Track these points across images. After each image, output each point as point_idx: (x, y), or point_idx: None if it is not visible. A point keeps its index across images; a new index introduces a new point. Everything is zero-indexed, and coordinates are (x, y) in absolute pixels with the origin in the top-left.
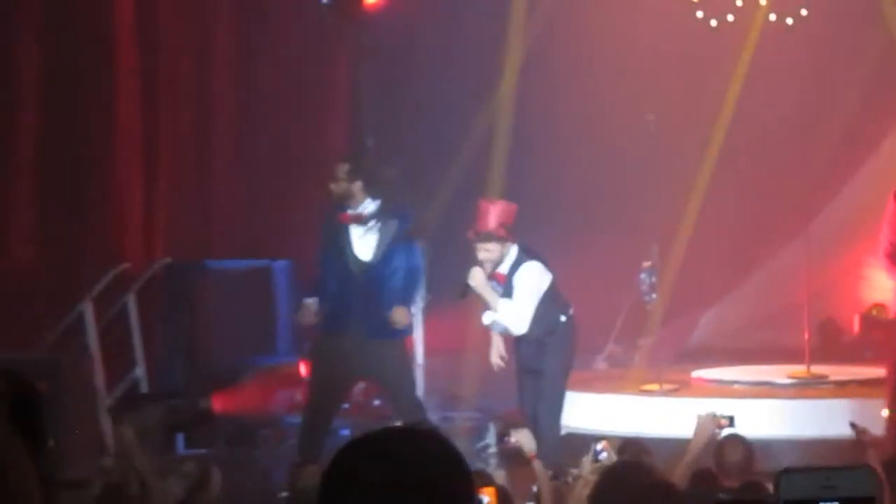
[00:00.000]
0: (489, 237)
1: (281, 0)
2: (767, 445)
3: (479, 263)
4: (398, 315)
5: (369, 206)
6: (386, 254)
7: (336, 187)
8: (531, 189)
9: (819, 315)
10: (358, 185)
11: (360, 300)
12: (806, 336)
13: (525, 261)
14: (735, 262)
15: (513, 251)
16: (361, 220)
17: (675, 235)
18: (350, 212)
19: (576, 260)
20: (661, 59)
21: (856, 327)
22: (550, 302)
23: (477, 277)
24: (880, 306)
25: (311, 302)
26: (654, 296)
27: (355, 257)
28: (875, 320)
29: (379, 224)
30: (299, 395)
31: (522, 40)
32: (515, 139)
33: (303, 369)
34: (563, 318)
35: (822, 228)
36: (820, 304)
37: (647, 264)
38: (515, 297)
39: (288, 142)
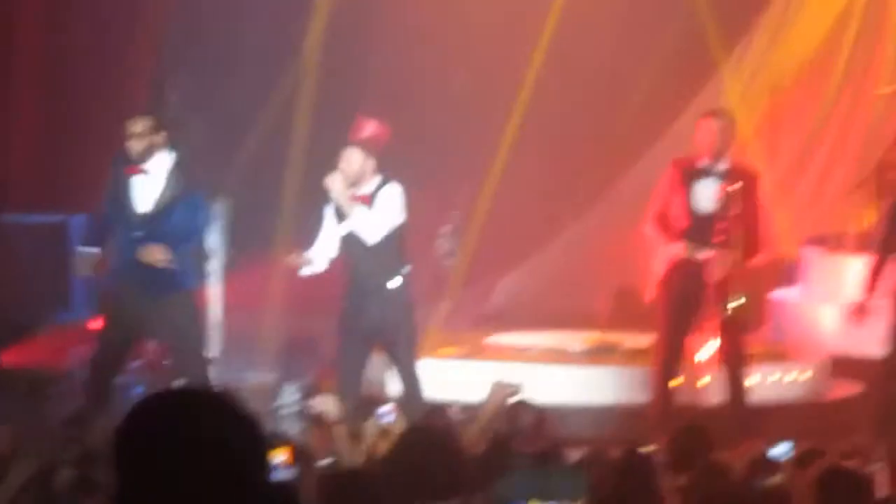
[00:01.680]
0: (355, 144)
1: None
2: (561, 411)
3: (340, 170)
4: (153, 253)
5: (162, 158)
6: (168, 208)
7: (136, 143)
8: (335, 150)
9: (617, 282)
10: (162, 138)
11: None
12: (601, 303)
13: (391, 182)
14: (535, 228)
15: (376, 175)
16: (146, 172)
17: (477, 200)
18: (138, 164)
19: None
20: (467, 22)
21: (648, 295)
22: (399, 245)
23: (336, 181)
24: None
25: (90, 254)
26: (452, 259)
27: (134, 209)
28: None
29: (166, 177)
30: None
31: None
32: (321, 100)
33: (96, 326)
34: (405, 270)
35: (621, 197)
36: (617, 271)
37: (447, 228)
38: (376, 209)
39: (90, 94)
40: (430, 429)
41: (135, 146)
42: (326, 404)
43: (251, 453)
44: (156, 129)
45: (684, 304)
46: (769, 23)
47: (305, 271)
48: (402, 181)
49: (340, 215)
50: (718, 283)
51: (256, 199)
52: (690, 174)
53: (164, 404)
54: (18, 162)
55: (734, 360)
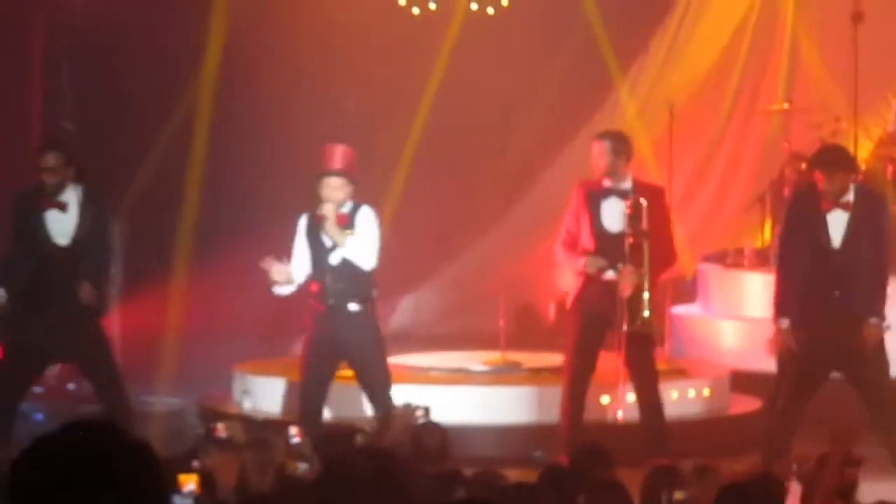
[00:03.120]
0: (339, 174)
1: None
2: (464, 432)
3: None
4: (84, 291)
5: (72, 192)
6: (83, 238)
7: (51, 177)
8: (232, 176)
9: (517, 302)
10: (71, 172)
11: (56, 284)
12: (501, 323)
13: (364, 206)
14: (435, 249)
15: (350, 202)
16: (64, 206)
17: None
18: (53, 198)
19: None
20: (364, 45)
21: (552, 314)
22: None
23: (329, 210)
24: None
25: None
26: None
27: (52, 242)
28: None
29: (79, 209)
30: None
31: (224, 25)
32: (215, 125)
33: None
34: (374, 293)
35: (520, 217)
36: (518, 292)
37: None
38: (364, 234)
39: None
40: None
41: (49, 180)
42: (233, 429)
43: (146, 484)
44: (67, 163)
45: (594, 322)
46: (663, 43)
47: (280, 290)
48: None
49: (316, 238)
50: (628, 300)
51: (152, 223)
52: (595, 195)
53: (57, 440)
54: None
55: (645, 376)
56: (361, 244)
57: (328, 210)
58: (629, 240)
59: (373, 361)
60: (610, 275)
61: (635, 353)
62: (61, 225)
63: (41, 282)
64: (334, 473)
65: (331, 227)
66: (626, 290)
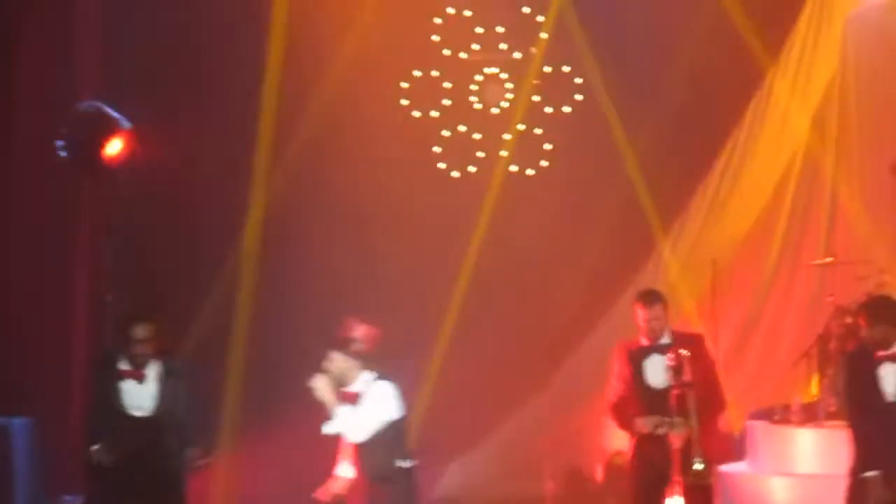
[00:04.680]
0: (336, 347)
1: (24, 152)
2: None
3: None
4: (194, 455)
5: (157, 365)
6: (165, 413)
7: (143, 349)
8: (277, 327)
9: (563, 464)
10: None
11: (136, 455)
12: (549, 485)
13: (381, 381)
14: (480, 413)
15: (365, 374)
16: (142, 378)
17: (422, 386)
18: (134, 370)
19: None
20: (403, 210)
21: (599, 475)
22: (395, 438)
23: (319, 382)
24: (622, 454)
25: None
26: None
27: (128, 414)
28: (617, 468)
29: (158, 384)
30: None
31: (266, 190)
32: (262, 280)
33: None
34: (402, 464)
35: (565, 379)
36: (564, 454)
37: None
38: (360, 406)
39: (29, 295)
40: None
41: (141, 351)
42: None
43: None
44: (157, 335)
45: (653, 478)
46: (704, 199)
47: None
48: (392, 378)
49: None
50: (682, 450)
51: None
52: (637, 354)
53: None
54: None
55: None
56: (353, 416)
57: (318, 381)
58: (675, 391)
59: None
60: (662, 430)
61: (694, 502)
62: (139, 397)
63: (128, 452)
64: None
65: (321, 396)
66: (675, 442)
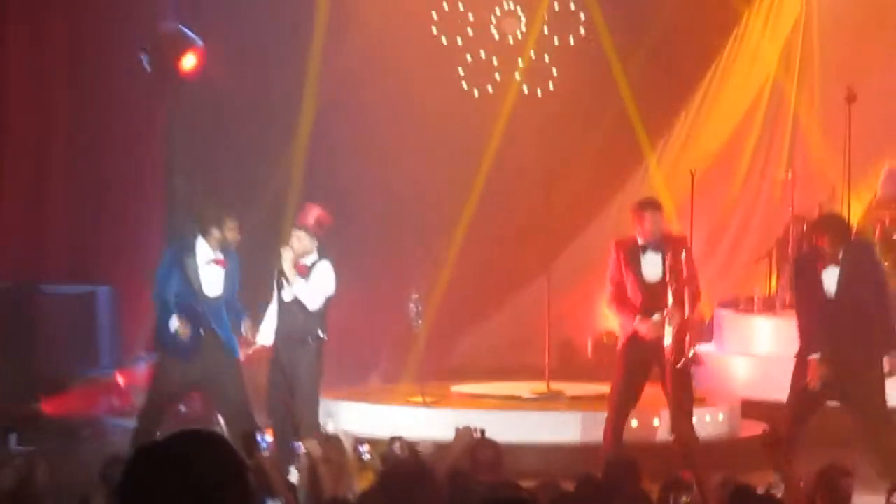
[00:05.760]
0: (303, 228)
1: (113, 60)
2: (515, 449)
3: (290, 247)
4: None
5: (233, 255)
6: (229, 294)
7: (232, 237)
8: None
9: (559, 339)
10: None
11: (209, 325)
12: (546, 358)
13: (325, 259)
14: (490, 295)
15: (316, 251)
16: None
17: (441, 270)
18: (223, 258)
19: (360, 290)
20: (434, 120)
21: (589, 350)
22: (323, 311)
23: (285, 256)
24: (609, 334)
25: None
26: (420, 322)
27: (204, 293)
28: (605, 346)
29: (229, 270)
30: (116, 400)
31: (314, 102)
32: (310, 183)
33: (120, 379)
34: (320, 334)
35: (562, 268)
36: (559, 330)
37: (415, 296)
38: (314, 281)
39: (112, 181)
40: (407, 465)
41: (231, 238)
42: (314, 447)
43: (237, 494)
44: (238, 229)
45: (641, 364)
46: (686, 120)
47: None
48: (332, 258)
49: (282, 285)
50: (674, 338)
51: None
52: (635, 251)
53: (159, 449)
54: (52, 241)
55: (685, 404)
56: (309, 288)
57: (286, 253)
58: (671, 287)
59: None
60: (656, 318)
61: (679, 383)
62: (216, 279)
63: (195, 323)
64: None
65: (287, 267)
66: (672, 330)
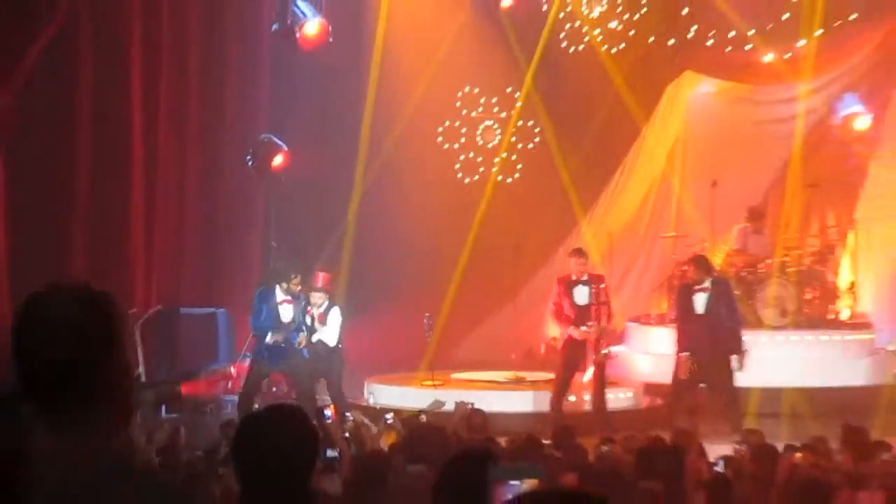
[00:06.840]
0: (320, 290)
1: (226, 147)
2: (495, 416)
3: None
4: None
5: (300, 298)
6: (298, 321)
7: (297, 286)
8: (369, 265)
9: (523, 343)
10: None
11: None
12: (513, 356)
13: (335, 306)
14: (478, 314)
15: (326, 300)
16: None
17: (445, 299)
18: (293, 299)
19: (391, 313)
20: (440, 198)
21: (542, 350)
22: (339, 337)
23: (314, 310)
24: (554, 339)
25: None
26: (431, 332)
27: (281, 320)
28: (552, 347)
29: (296, 307)
30: (230, 385)
31: (361, 188)
32: (357, 241)
33: (233, 370)
34: (339, 345)
35: (525, 296)
36: (523, 337)
37: (427, 315)
38: (330, 325)
39: (232, 241)
40: (425, 427)
41: (293, 288)
42: (360, 416)
43: (309, 454)
44: (300, 282)
45: (574, 357)
46: (606, 198)
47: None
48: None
49: (314, 330)
50: (594, 342)
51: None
52: (570, 284)
53: (261, 417)
54: (187, 279)
55: (600, 386)
56: (328, 331)
57: (315, 311)
58: (594, 308)
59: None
60: (583, 329)
61: (597, 372)
62: (288, 312)
63: (275, 340)
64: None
65: (314, 319)
66: (593, 337)
